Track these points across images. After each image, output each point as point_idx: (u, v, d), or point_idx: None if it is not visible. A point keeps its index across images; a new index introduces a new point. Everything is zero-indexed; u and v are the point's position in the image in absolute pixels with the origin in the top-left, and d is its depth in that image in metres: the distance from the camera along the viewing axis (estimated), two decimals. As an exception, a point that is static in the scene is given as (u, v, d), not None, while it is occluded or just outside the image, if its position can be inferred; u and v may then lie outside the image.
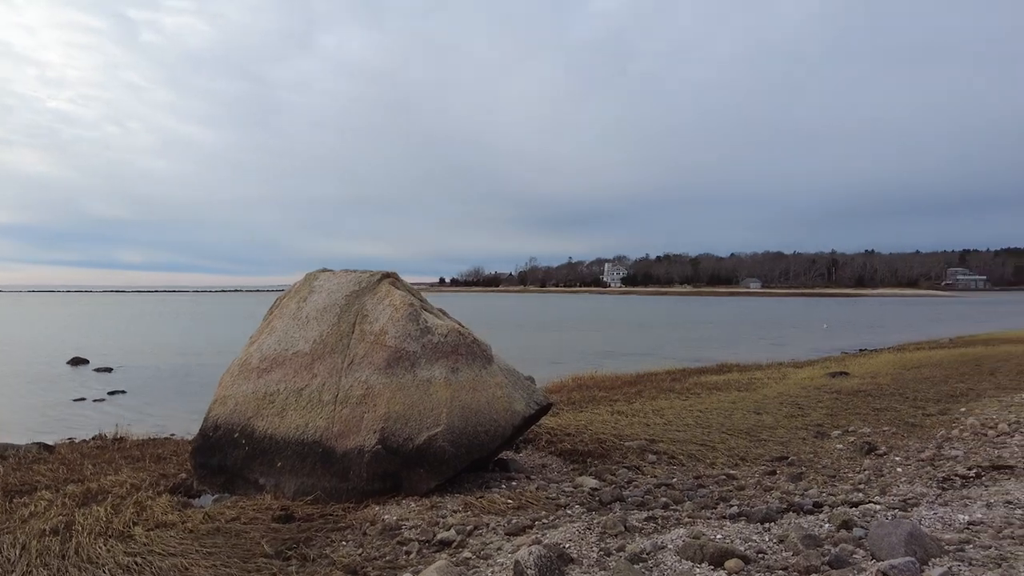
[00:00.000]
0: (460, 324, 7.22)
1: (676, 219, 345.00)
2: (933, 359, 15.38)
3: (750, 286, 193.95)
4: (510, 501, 5.40)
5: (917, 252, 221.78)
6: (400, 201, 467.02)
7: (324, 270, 7.31)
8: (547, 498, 5.53)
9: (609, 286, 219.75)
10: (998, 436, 7.42)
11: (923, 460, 6.47)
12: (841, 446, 7.31)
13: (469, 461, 5.89)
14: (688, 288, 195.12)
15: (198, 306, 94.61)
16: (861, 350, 25.94)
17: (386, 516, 5.26)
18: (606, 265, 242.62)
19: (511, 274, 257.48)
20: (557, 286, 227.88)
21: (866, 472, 6.14)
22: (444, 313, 7.27)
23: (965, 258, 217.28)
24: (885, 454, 6.84)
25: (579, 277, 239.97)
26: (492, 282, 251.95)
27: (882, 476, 6.03)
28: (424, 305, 6.81)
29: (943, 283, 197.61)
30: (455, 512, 5.21)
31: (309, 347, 6.55)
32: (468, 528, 4.79)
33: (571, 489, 5.82)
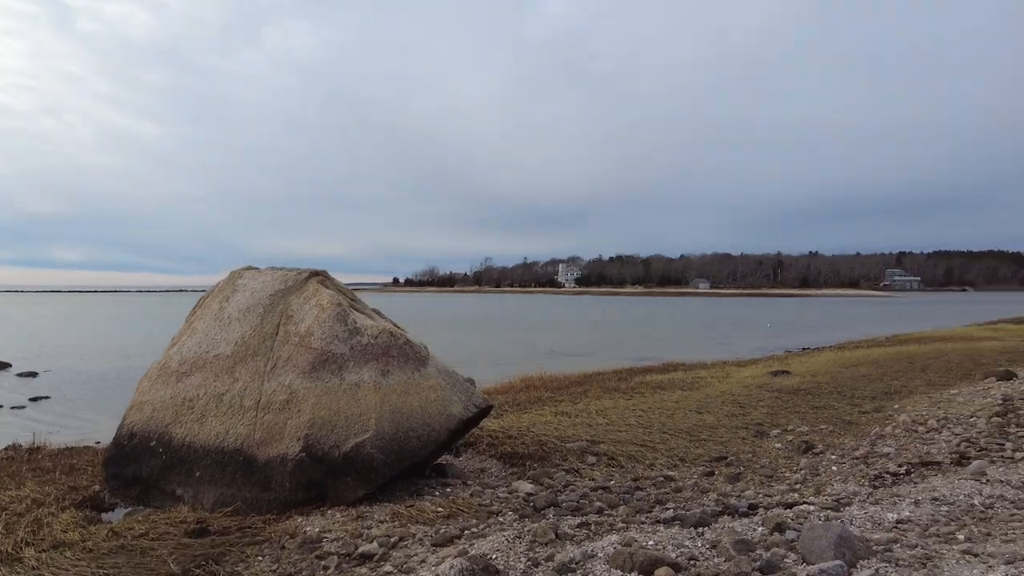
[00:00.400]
0: (395, 325, 6.95)
1: (629, 220, 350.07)
2: (870, 357, 15.80)
3: (699, 286, 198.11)
4: (441, 509, 5.17)
5: (858, 254, 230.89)
6: (352, 199, 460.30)
7: (249, 268, 6.93)
8: (480, 505, 5.32)
9: (563, 286, 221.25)
10: (927, 432, 7.56)
11: (857, 458, 6.52)
12: (779, 445, 7.33)
13: (400, 468, 5.63)
14: (640, 288, 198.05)
15: (140, 307, 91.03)
16: (804, 349, 26.60)
17: (308, 528, 4.96)
18: (560, 266, 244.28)
19: (466, 274, 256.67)
20: (512, 286, 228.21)
21: (802, 471, 6.14)
22: (379, 314, 6.98)
23: (901, 260, 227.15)
24: (821, 452, 6.88)
25: (534, 277, 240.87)
26: (447, 282, 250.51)
27: (818, 475, 6.03)
28: (355, 305, 6.52)
29: (881, 284, 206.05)
30: (381, 522, 4.95)
31: (231, 349, 6.18)
32: (393, 540, 4.54)
33: (506, 495, 5.62)
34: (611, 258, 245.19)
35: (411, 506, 5.29)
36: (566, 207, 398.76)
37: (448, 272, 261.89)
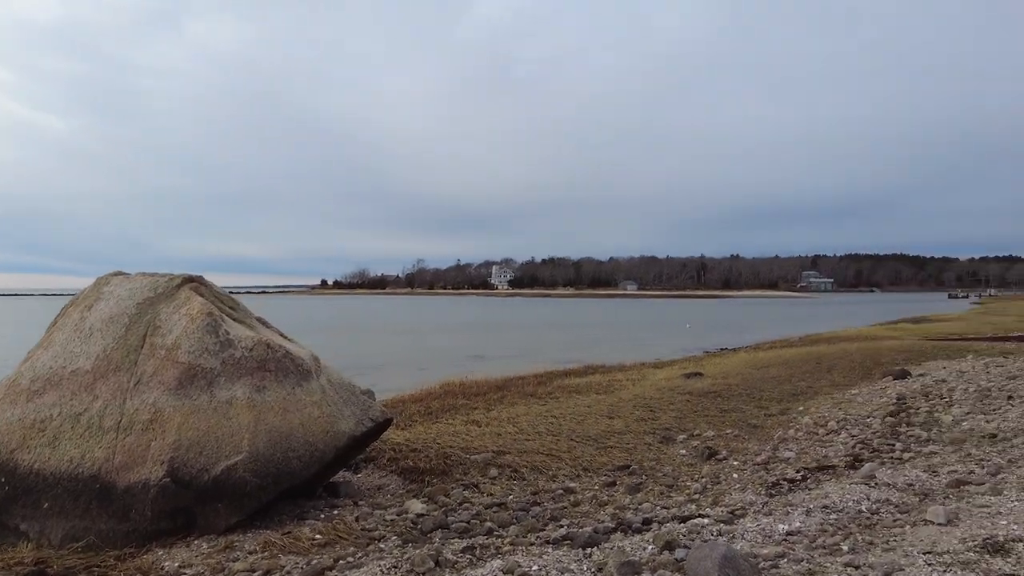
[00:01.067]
0: (281, 335, 6.47)
1: (560, 223, 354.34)
2: (781, 358, 16.27)
3: (627, 288, 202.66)
4: (319, 536, 4.76)
5: (776, 257, 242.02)
6: (279, 200, 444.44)
7: (117, 273, 6.29)
8: (363, 529, 4.93)
9: (497, 288, 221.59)
10: (827, 434, 7.70)
11: (758, 464, 6.51)
12: (684, 451, 7.27)
13: (278, 491, 5.18)
14: (571, 290, 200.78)
15: (46, 313, 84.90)
16: (722, 349, 27.34)
17: (167, 563, 4.46)
18: (494, 268, 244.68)
19: (398, 276, 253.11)
20: (445, 288, 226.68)
21: (703, 480, 6.06)
22: (264, 323, 6.48)
23: (816, 263, 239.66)
24: (725, 459, 6.85)
25: (467, 279, 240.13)
26: (378, 284, 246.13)
27: (718, 483, 5.96)
28: (234, 314, 6.00)
29: (798, 285, 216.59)
30: (250, 554, 4.50)
31: (91, 364, 5.55)
32: (258, 574, 4.11)
33: (394, 516, 5.26)
34: (543, 260, 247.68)
35: (287, 533, 4.85)
36: (499, 209, 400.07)
37: (379, 274, 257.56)
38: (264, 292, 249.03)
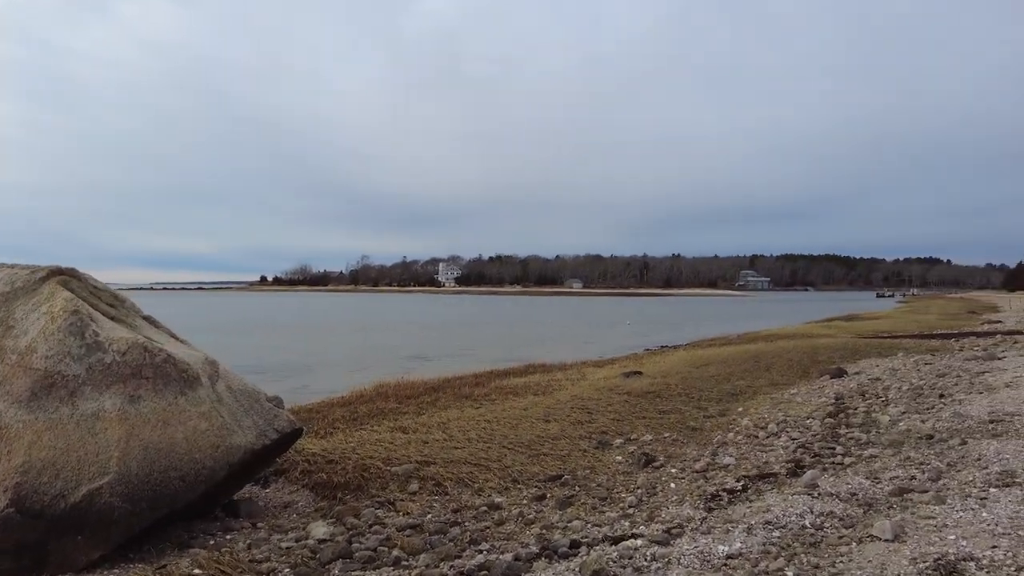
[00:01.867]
0: (173, 336, 5.72)
1: (508, 221, 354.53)
2: (720, 356, 16.21)
3: (573, 286, 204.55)
4: (198, 571, 4.08)
5: (716, 256, 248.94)
6: (220, 194, 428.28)
7: (-28, 264, 5.40)
8: (252, 561, 4.28)
9: (444, 286, 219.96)
10: (767, 437, 7.43)
11: (697, 472, 6.15)
12: (620, 458, 6.86)
13: (154, 518, 4.46)
14: (518, 288, 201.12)
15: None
16: (663, 347, 27.43)
17: (4, 612, 3.71)
18: (441, 265, 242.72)
19: (342, 272, 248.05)
20: (391, 285, 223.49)
21: (639, 491, 5.65)
22: (152, 322, 5.71)
23: (754, 262, 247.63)
24: (662, 466, 6.46)
25: (414, 276, 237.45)
26: (320, 281, 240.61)
27: (655, 495, 5.55)
28: (115, 312, 5.22)
29: (736, 284, 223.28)
30: (108, 597, 3.80)
31: (-69, 371, 4.68)
32: (111, 625, 3.43)
33: (292, 543, 4.62)
34: (491, 258, 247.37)
35: (161, 568, 4.16)
36: (447, 207, 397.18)
37: (322, 270, 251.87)
38: (201, 288, 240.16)
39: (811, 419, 8.26)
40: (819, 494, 4.94)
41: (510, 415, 9.09)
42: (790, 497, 4.89)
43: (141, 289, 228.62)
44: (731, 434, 7.63)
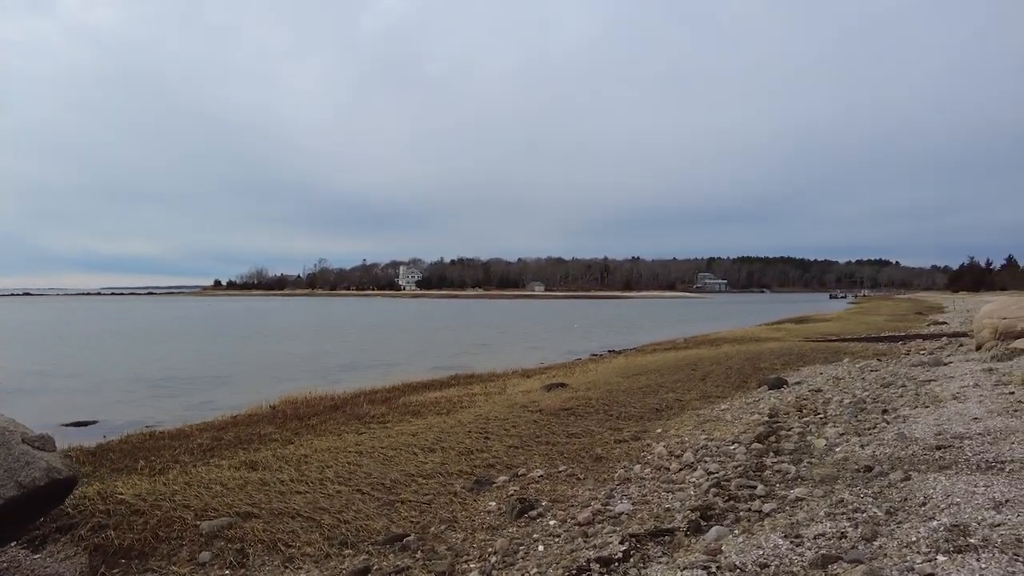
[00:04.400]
0: None
1: (469, 224, 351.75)
2: (657, 363, 15.09)
3: (535, 289, 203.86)
4: None
5: (674, 259, 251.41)
6: (167, 194, 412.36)
7: None
8: None
9: (404, 289, 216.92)
10: (680, 470, 6.17)
11: (579, 525, 4.83)
12: (494, 504, 5.51)
13: None
14: (479, 291, 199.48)
15: None
16: (610, 351, 26.36)
17: None
18: (401, 268, 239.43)
19: (299, 276, 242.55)
20: (349, 289, 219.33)
21: (493, 559, 4.29)
22: None
23: (711, 265, 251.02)
24: (541, 515, 5.14)
25: (373, 280, 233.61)
26: (277, 285, 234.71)
27: (514, 564, 4.21)
28: None
29: (694, 286, 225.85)
30: None
31: None
32: None
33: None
34: (452, 261, 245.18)
35: None
36: (405, 208, 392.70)
37: (279, 274, 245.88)
38: (152, 294, 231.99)
39: (736, 444, 7.05)
40: (719, 567, 3.67)
41: (392, 443, 7.69)
42: (679, 574, 3.61)
43: (89, 295, 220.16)
44: (638, 466, 6.35)
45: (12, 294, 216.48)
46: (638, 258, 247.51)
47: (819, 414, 8.60)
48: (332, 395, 13.82)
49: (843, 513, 4.55)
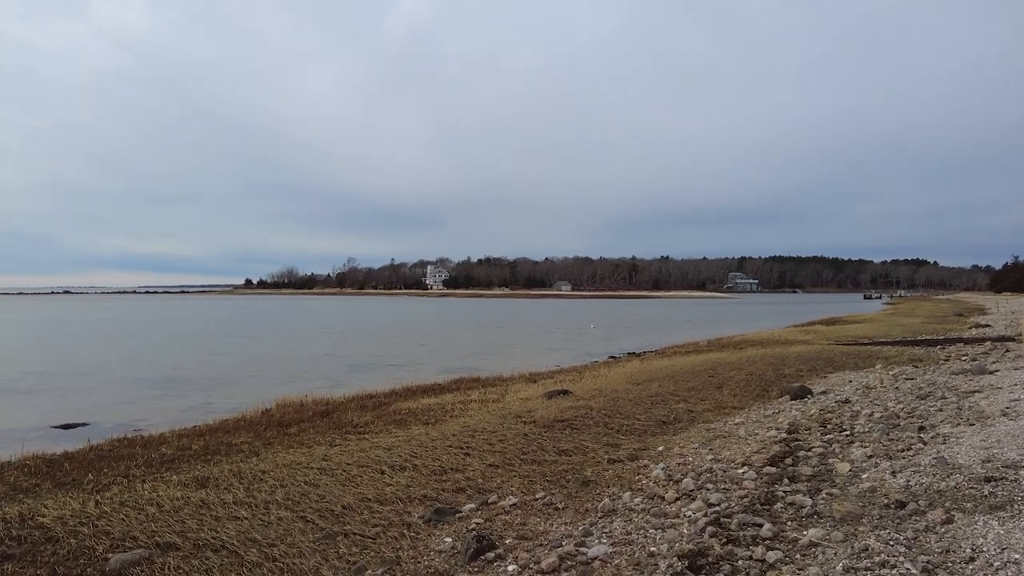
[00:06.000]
0: None
1: (496, 224, 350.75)
2: (674, 368, 14.13)
3: (561, 288, 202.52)
4: None
5: (704, 259, 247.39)
6: (199, 196, 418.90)
7: None
8: None
9: (431, 288, 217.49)
10: (676, 500, 5.29)
11: (543, 573, 4.00)
12: (450, 540, 4.70)
13: None
14: (506, 291, 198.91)
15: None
16: (630, 354, 25.36)
17: None
18: (428, 267, 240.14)
19: (329, 275, 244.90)
20: (377, 288, 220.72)
21: (425, 621, 3.49)
22: None
23: (742, 264, 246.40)
24: (500, 558, 4.32)
25: (401, 279, 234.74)
26: (306, 284, 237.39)
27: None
28: None
29: (725, 286, 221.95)
30: None
31: None
32: None
33: None
34: (479, 260, 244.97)
35: None
36: (433, 209, 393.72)
37: (309, 273, 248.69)
38: (184, 292, 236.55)
39: (746, 467, 6.13)
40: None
41: (362, 459, 6.95)
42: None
43: (125, 293, 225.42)
44: (628, 494, 5.48)
45: (53, 292, 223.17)
46: (667, 257, 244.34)
47: (845, 430, 7.62)
48: (327, 399, 13.18)
49: (867, 569, 3.65)
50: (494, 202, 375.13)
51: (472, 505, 5.38)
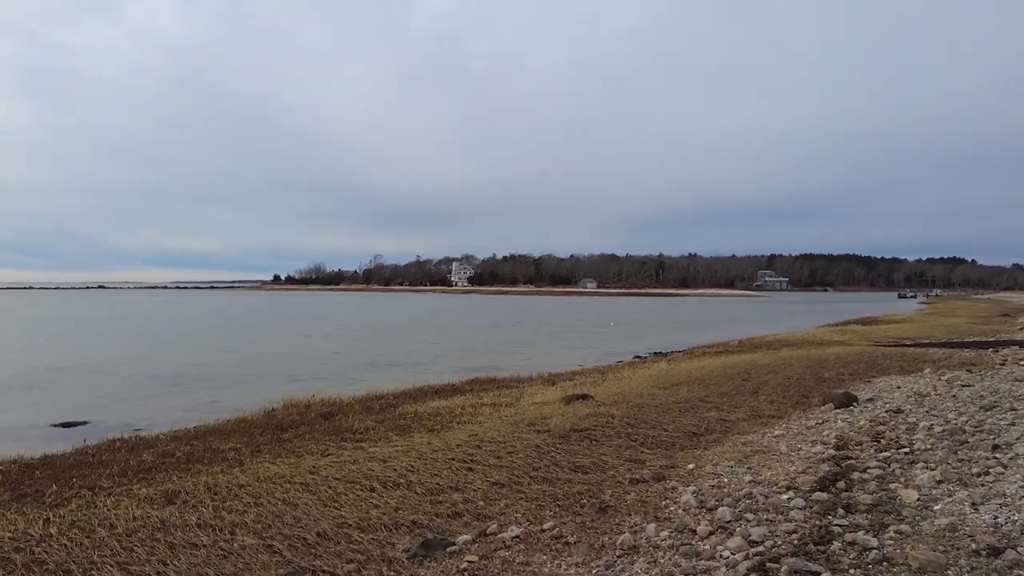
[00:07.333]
0: None
1: (521, 221, 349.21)
2: (703, 370, 13.17)
3: (587, 286, 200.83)
4: None
5: (733, 256, 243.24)
6: (229, 193, 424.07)
7: None
8: None
9: (456, 285, 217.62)
10: (710, 535, 4.43)
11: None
12: (434, 585, 3.90)
13: None
14: (530, 288, 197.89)
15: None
16: (655, 353, 24.37)
17: None
18: (454, 264, 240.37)
19: (356, 272, 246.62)
20: (403, 284, 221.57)
21: None
22: None
23: (772, 262, 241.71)
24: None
25: (427, 276, 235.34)
26: (333, 280, 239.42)
27: None
28: None
29: (754, 284, 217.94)
30: None
31: None
32: None
33: None
34: (504, 257, 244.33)
35: None
36: (459, 206, 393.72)
37: (336, 270, 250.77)
38: (213, 288, 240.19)
39: (792, 491, 5.23)
40: None
41: (351, 473, 6.20)
42: None
43: (156, 288, 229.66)
44: (653, 525, 4.63)
45: (87, 287, 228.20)
46: (695, 255, 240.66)
47: (903, 447, 6.64)
48: (333, 400, 12.50)
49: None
50: (520, 199, 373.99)
51: (468, 536, 4.57)
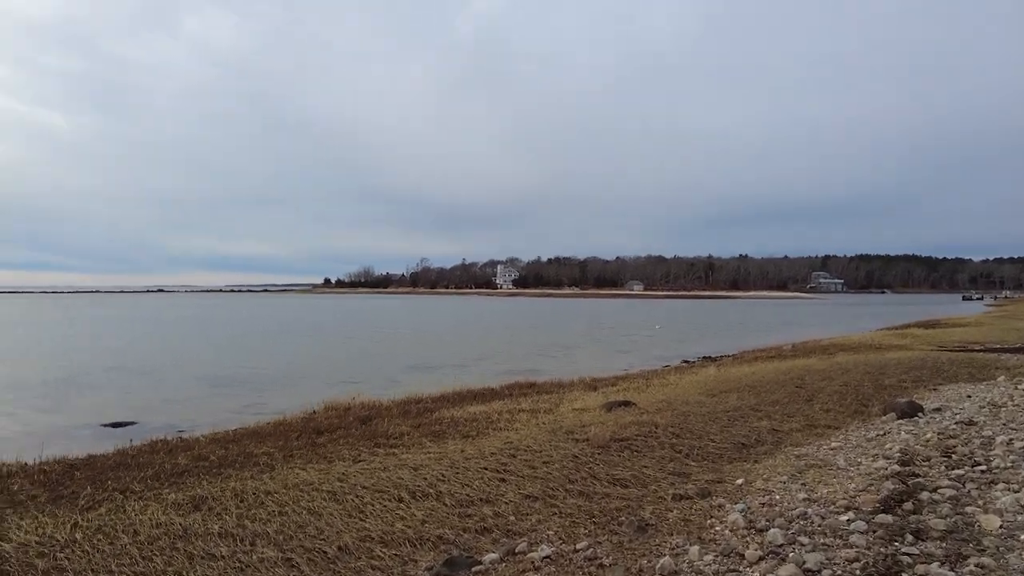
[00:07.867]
0: None
1: (567, 222, 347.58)
2: (754, 377, 12.56)
3: (633, 288, 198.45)
4: None
5: (785, 257, 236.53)
6: (281, 199, 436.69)
7: None
8: None
9: (500, 288, 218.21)
10: (760, 561, 4.02)
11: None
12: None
13: None
14: (576, 290, 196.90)
15: (54, 311, 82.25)
16: (704, 358, 23.68)
17: None
18: (499, 267, 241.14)
19: (403, 275, 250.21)
20: (448, 287, 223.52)
21: None
22: None
23: (826, 263, 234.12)
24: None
25: (472, 278, 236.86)
26: (381, 283, 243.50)
27: None
28: None
29: (808, 286, 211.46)
30: None
31: None
32: None
33: None
34: (549, 260, 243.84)
35: None
36: (505, 208, 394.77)
37: (384, 273, 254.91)
38: (266, 291, 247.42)
39: (852, 512, 4.77)
40: None
41: (380, 481, 6.00)
42: None
43: (212, 291, 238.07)
44: (696, 547, 4.25)
45: (148, 291, 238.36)
46: (746, 256, 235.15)
47: (979, 464, 6.04)
48: (372, 403, 12.42)
49: None
50: (565, 201, 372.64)
51: (495, 555, 4.29)
